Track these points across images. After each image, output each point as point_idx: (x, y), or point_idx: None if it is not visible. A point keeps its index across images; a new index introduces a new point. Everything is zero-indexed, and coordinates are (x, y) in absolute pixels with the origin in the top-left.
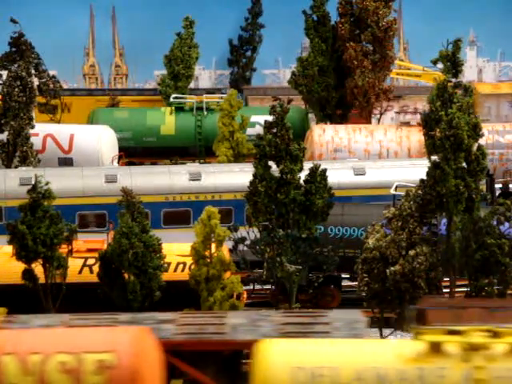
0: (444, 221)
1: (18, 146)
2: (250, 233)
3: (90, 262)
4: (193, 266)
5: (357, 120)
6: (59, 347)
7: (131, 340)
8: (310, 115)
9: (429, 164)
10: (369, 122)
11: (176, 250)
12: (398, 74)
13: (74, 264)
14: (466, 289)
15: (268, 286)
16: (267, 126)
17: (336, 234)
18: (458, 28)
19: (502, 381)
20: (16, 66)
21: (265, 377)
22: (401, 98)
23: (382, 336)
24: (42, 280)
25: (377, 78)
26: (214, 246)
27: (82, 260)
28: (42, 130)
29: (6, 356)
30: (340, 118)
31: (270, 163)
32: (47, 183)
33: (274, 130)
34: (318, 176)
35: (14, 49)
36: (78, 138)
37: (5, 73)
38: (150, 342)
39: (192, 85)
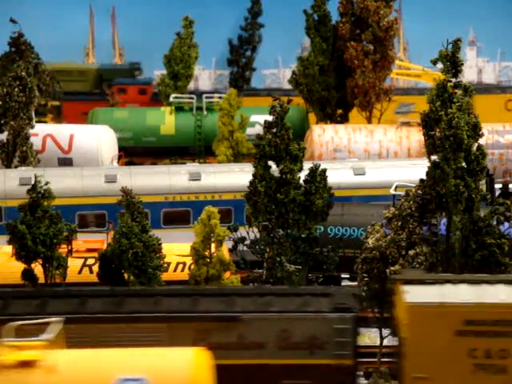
0: (444, 221)
1: (17, 146)
2: (250, 233)
3: (90, 261)
4: (193, 266)
5: None
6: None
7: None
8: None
9: (429, 164)
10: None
11: (176, 250)
12: (398, 74)
13: (73, 264)
14: None
15: None
16: (267, 125)
17: (336, 234)
18: (458, 28)
19: None
20: (16, 66)
21: None
22: None
23: (381, 336)
24: (41, 280)
25: (377, 78)
26: (213, 245)
27: (82, 260)
28: (41, 130)
29: None
30: (340, 118)
31: (270, 163)
32: (47, 183)
33: (274, 130)
34: (317, 176)
35: (13, 49)
36: (78, 138)
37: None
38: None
39: (192, 85)
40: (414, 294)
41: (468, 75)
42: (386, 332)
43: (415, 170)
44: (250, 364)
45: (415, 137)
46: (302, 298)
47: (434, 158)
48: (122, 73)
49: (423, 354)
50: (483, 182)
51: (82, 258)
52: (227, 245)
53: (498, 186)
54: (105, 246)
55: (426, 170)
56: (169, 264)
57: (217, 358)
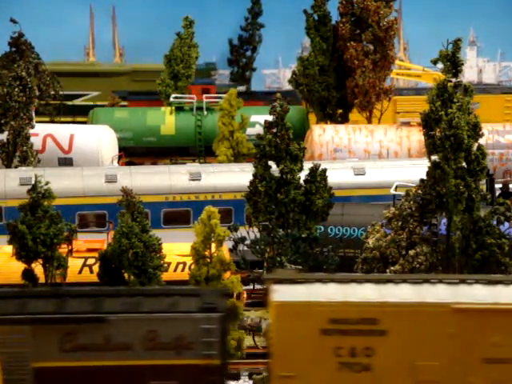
0: (444, 221)
1: (18, 146)
2: (250, 233)
3: (90, 261)
4: (193, 266)
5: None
6: None
7: None
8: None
9: (429, 164)
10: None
11: (176, 249)
12: (398, 74)
13: (73, 264)
14: None
15: None
16: (267, 125)
17: (336, 234)
18: (458, 28)
19: None
20: (16, 65)
21: None
22: None
23: None
24: (42, 280)
25: (377, 78)
26: (214, 245)
27: (82, 260)
28: (42, 130)
29: None
30: (340, 118)
31: (270, 163)
32: (47, 183)
33: (274, 130)
34: (318, 176)
35: (13, 49)
36: (78, 138)
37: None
38: None
39: None
40: (281, 293)
41: (468, 75)
42: None
43: (415, 170)
44: (117, 365)
45: (415, 137)
46: (171, 299)
47: (434, 157)
48: (199, 73)
49: (289, 352)
50: (483, 181)
51: (82, 257)
52: (227, 245)
53: (498, 185)
54: (105, 246)
55: (427, 169)
56: (169, 264)
57: (84, 360)
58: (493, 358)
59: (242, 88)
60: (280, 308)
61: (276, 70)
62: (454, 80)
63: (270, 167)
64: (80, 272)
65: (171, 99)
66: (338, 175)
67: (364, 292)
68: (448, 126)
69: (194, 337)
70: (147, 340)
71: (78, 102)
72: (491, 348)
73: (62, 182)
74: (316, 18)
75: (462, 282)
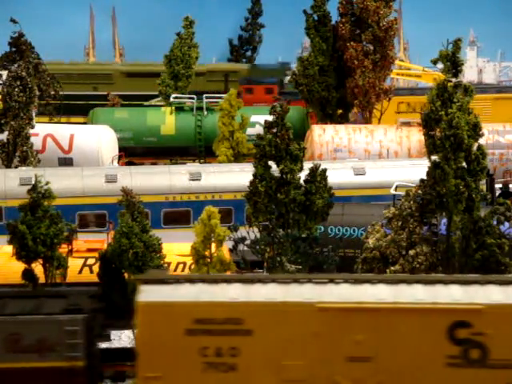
0: (444, 221)
1: (18, 146)
2: (250, 233)
3: (90, 261)
4: (193, 266)
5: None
6: None
7: None
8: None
9: (429, 164)
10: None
11: (176, 249)
12: (398, 74)
13: (73, 264)
14: None
15: None
16: (267, 125)
17: (336, 233)
18: (458, 28)
19: None
20: (16, 65)
21: None
22: None
23: None
24: (42, 280)
25: (377, 78)
26: (214, 245)
27: (82, 260)
28: (41, 130)
29: None
30: (340, 118)
31: (270, 163)
32: (47, 183)
33: (274, 130)
34: (318, 176)
35: (13, 49)
36: (78, 138)
37: (5, 73)
38: None
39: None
40: (147, 294)
41: (468, 75)
42: None
43: (415, 170)
44: None
45: (415, 137)
46: (36, 300)
47: (434, 157)
48: (273, 73)
49: (155, 353)
50: (483, 181)
51: (82, 257)
52: (227, 245)
53: (498, 185)
54: (105, 246)
55: (427, 169)
56: (169, 264)
57: None
58: (356, 356)
59: None
60: (145, 308)
61: None
62: (454, 80)
63: (270, 167)
64: (80, 272)
65: (171, 99)
66: (338, 175)
67: (231, 292)
68: (448, 126)
69: (57, 339)
70: (9, 343)
71: (153, 102)
72: (354, 346)
73: (62, 182)
74: (316, 18)
75: (331, 281)
